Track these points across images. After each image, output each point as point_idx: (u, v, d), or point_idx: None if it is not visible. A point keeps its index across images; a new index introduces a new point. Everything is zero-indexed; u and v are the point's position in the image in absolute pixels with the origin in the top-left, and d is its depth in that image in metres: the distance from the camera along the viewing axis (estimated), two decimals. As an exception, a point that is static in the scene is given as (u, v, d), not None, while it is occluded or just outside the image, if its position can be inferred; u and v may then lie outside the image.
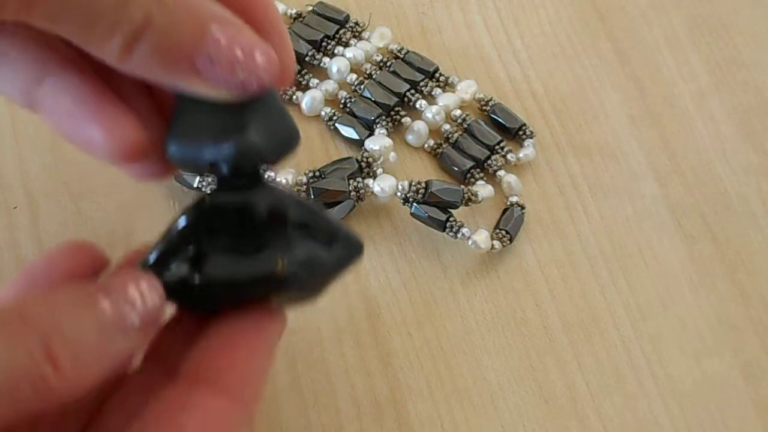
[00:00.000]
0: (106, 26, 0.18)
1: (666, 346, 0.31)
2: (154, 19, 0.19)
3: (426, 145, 0.34)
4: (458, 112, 0.34)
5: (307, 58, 0.34)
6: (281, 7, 0.35)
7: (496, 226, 0.32)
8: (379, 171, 0.32)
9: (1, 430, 0.16)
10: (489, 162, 0.33)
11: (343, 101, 0.34)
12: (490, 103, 0.35)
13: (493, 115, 0.34)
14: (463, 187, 0.32)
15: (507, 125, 0.34)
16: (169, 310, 0.21)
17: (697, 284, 0.32)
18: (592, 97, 0.36)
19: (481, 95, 0.35)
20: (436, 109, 0.34)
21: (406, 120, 0.34)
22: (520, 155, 0.34)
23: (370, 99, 0.34)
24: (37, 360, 0.16)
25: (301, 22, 0.35)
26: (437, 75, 0.35)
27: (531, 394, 0.30)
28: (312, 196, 0.31)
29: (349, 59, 0.34)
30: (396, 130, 0.34)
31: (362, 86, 0.34)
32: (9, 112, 0.33)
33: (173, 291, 0.20)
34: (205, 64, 0.19)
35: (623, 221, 0.33)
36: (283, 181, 0.31)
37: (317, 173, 0.32)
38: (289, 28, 0.35)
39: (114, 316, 0.18)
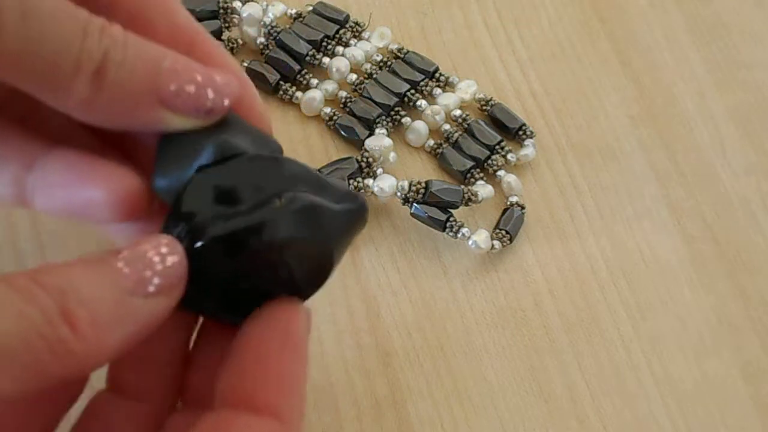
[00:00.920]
0: (70, 63, 0.18)
1: (666, 346, 0.31)
2: (111, 56, 0.19)
3: (426, 145, 0.34)
4: (458, 112, 0.34)
5: (307, 58, 0.34)
6: (281, 7, 0.35)
7: (496, 226, 0.32)
8: (379, 171, 0.32)
9: (21, 396, 0.16)
10: (489, 162, 0.33)
11: (343, 101, 0.34)
12: (490, 103, 0.35)
13: (493, 115, 0.35)
14: (463, 187, 0.32)
15: (507, 125, 0.34)
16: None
17: (697, 284, 0.32)
18: (592, 97, 0.36)
19: (481, 95, 0.35)
20: (436, 109, 0.34)
21: (406, 120, 0.34)
22: (520, 155, 0.34)
23: (370, 99, 0.34)
24: (53, 321, 0.16)
25: (301, 22, 0.35)
26: (437, 75, 0.35)
27: (531, 394, 0.30)
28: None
29: (349, 59, 0.34)
30: (396, 130, 0.34)
31: (362, 86, 0.34)
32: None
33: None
34: (169, 94, 0.19)
35: (623, 221, 0.33)
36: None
37: (317, 173, 0.32)
38: (290, 28, 0.35)
39: (132, 277, 0.17)
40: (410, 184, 0.32)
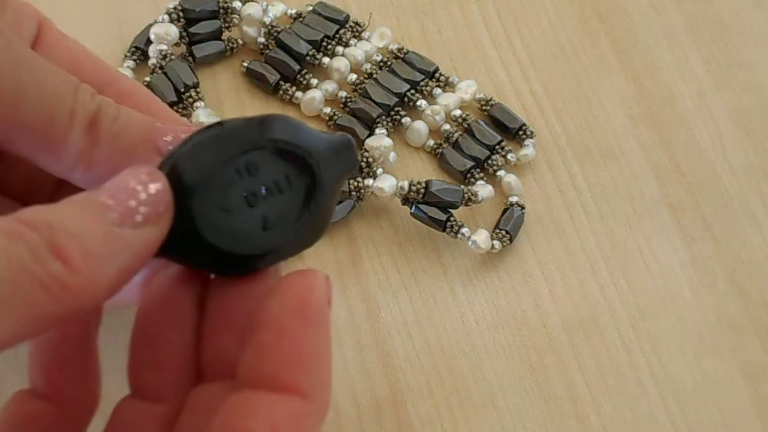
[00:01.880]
0: (64, 113, 0.19)
1: (666, 346, 0.31)
2: (105, 110, 0.19)
3: (426, 145, 0.34)
4: (458, 112, 0.34)
5: (307, 58, 0.34)
6: (281, 7, 0.35)
7: (496, 226, 0.32)
8: (379, 171, 0.32)
9: (23, 341, 0.16)
10: (489, 162, 0.33)
11: (343, 101, 0.34)
12: (490, 103, 0.35)
13: (493, 115, 0.35)
14: (463, 187, 0.32)
15: (507, 125, 0.34)
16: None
17: (697, 284, 0.32)
18: (592, 97, 0.36)
19: (481, 95, 0.35)
20: (436, 109, 0.34)
21: (406, 120, 0.34)
22: (520, 155, 0.34)
23: (370, 99, 0.34)
24: (43, 257, 0.16)
25: (301, 22, 0.35)
26: (437, 75, 0.35)
27: (531, 394, 0.30)
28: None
29: (349, 59, 0.34)
30: (396, 130, 0.34)
31: (362, 86, 0.34)
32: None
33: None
34: (165, 143, 0.20)
35: (623, 221, 0.33)
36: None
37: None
38: (290, 28, 0.35)
39: (117, 208, 0.17)
40: (410, 184, 0.32)
